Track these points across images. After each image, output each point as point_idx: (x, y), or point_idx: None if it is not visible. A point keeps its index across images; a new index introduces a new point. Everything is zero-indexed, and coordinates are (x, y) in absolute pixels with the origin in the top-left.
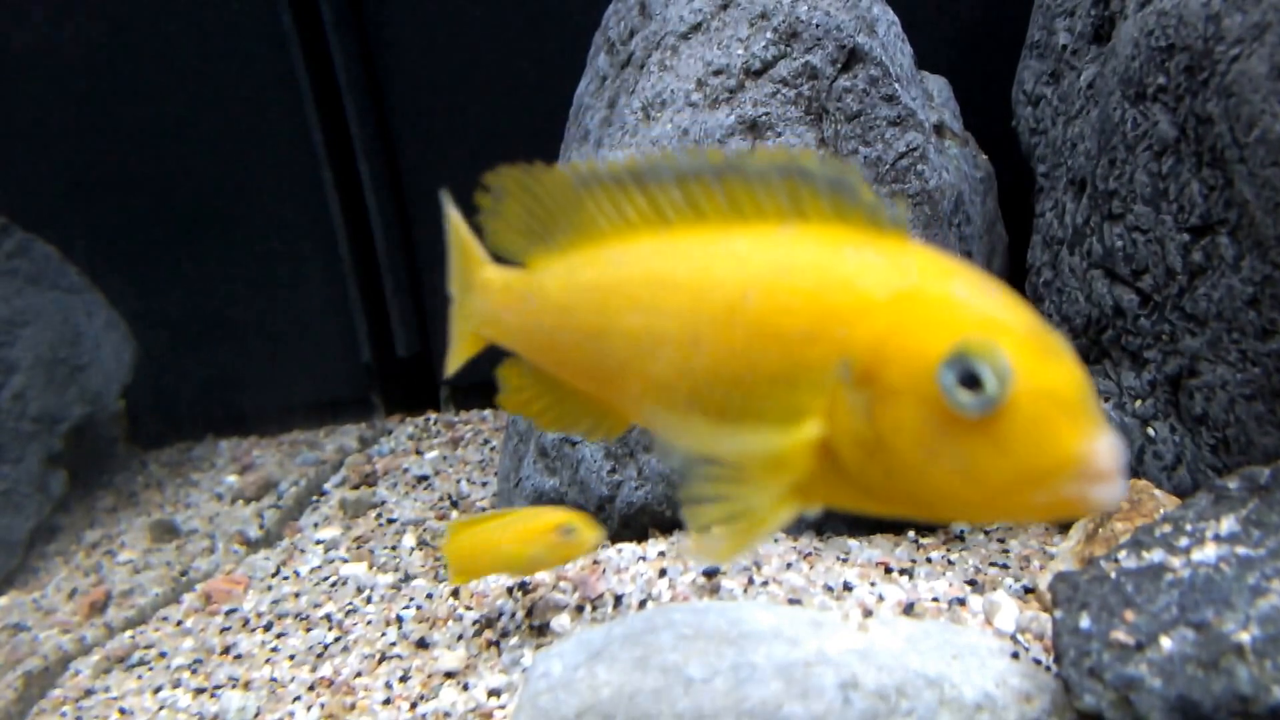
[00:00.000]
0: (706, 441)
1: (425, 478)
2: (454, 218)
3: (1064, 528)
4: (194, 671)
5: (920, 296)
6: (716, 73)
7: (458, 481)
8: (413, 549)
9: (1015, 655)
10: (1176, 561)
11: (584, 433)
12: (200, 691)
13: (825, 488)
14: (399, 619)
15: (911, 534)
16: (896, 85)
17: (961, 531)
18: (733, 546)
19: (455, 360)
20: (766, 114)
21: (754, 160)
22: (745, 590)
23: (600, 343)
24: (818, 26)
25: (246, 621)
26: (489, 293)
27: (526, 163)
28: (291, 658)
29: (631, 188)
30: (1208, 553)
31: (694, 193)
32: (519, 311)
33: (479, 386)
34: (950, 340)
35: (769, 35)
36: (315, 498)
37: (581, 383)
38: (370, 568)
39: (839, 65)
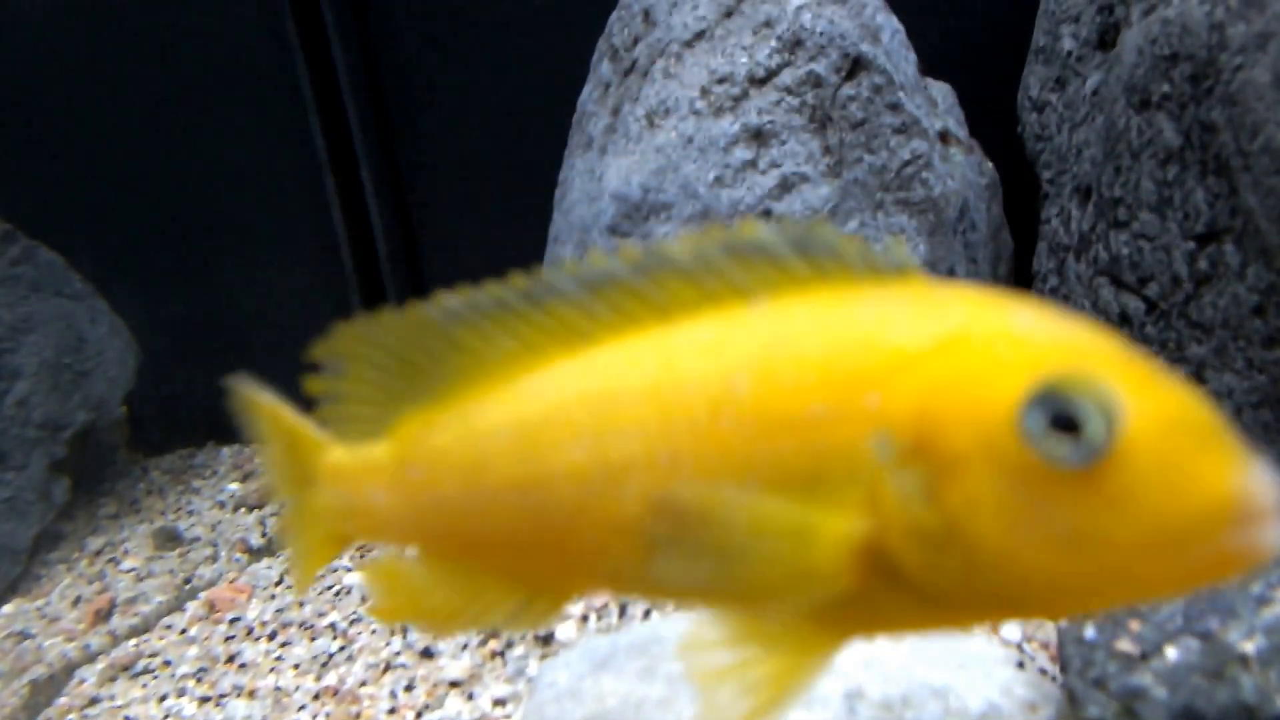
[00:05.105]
0: (702, 589)
1: None
2: (259, 401)
3: None
4: (199, 680)
5: (972, 336)
6: (720, 80)
7: None
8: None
9: (1020, 664)
10: None
11: (502, 623)
12: (205, 700)
13: (873, 610)
14: (403, 628)
15: None
16: (901, 93)
17: None
18: (761, 706)
19: (308, 575)
20: (770, 122)
21: (684, 248)
22: None
23: (533, 496)
24: (821, 34)
25: (251, 630)
26: (345, 479)
27: (371, 313)
28: (296, 666)
29: (525, 309)
30: None
31: (615, 298)
32: (397, 490)
33: None
34: (1029, 377)
35: (773, 43)
36: None
37: (500, 558)
38: None
39: (843, 73)
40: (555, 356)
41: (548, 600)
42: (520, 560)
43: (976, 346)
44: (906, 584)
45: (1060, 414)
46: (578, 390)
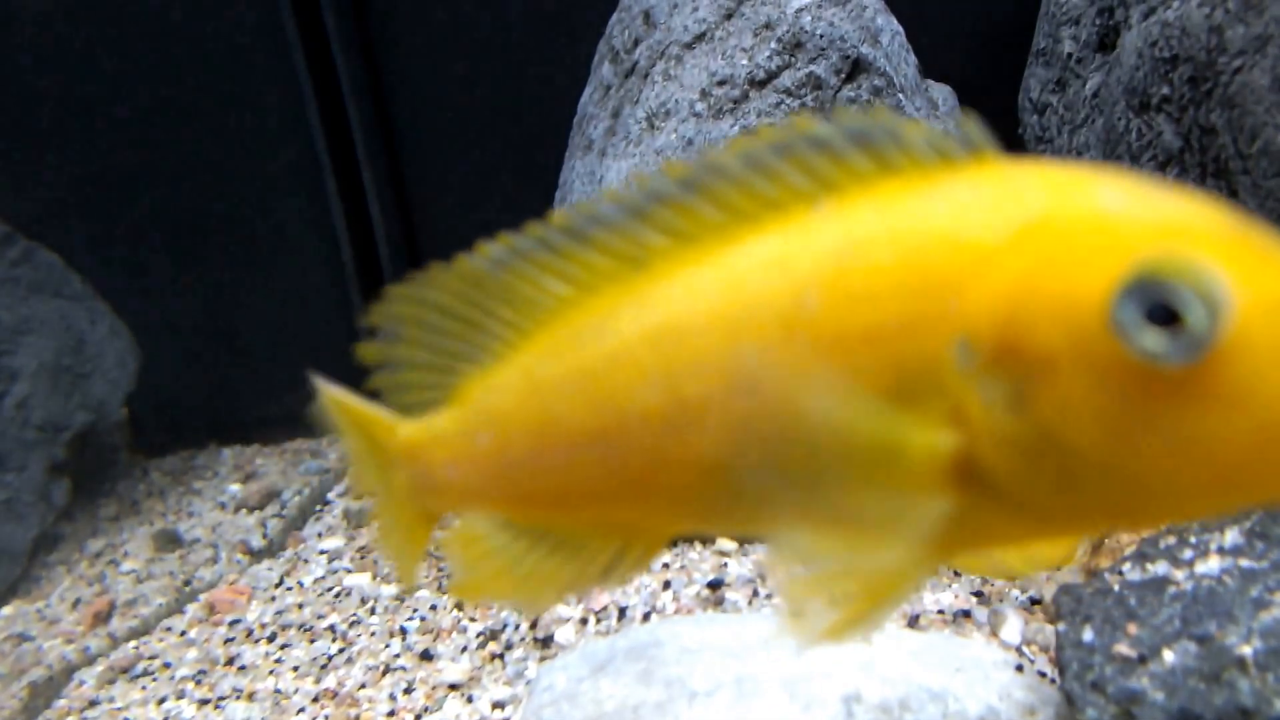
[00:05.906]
0: (793, 515)
1: None
2: (328, 392)
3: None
4: (198, 682)
5: (1054, 222)
6: (721, 83)
7: None
8: None
9: (1019, 668)
10: (1180, 574)
11: (601, 577)
12: (204, 702)
13: (967, 523)
14: (403, 630)
15: None
16: (900, 95)
17: None
18: (849, 619)
19: (412, 559)
20: (771, 125)
21: (733, 154)
22: (750, 603)
23: (608, 447)
24: (821, 37)
25: (250, 632)
26: (417, 455)
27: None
28: (295, 669)
29: (571, 246)
30: (1211, 565)
31: (665, 219)
32: (466, 460)
33: None
34: (1119, 265)
35: (773, 45)
36: (319, 507)
37: (586, 512)
38: (374, 578)
39: (843, 75)
40: (611, 294)
41: (642, 544)
42: (605, 511)
43: (1059, 233)
44: (1001, 496)
45: (1157, 304)
46: (639, 328)
